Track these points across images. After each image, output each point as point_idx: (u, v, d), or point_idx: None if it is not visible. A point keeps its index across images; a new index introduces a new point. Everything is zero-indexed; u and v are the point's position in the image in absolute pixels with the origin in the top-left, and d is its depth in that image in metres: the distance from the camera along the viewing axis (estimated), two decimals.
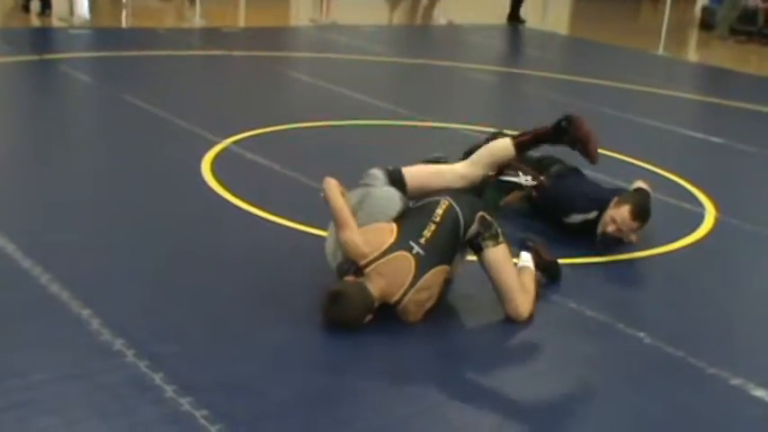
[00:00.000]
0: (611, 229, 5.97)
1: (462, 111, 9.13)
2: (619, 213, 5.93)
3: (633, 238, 6.09)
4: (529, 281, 5.17)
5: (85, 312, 4.55)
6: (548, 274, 5.43)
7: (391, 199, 5.06)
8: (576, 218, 6.15)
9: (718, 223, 6.98)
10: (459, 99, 10.35)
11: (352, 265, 4.70)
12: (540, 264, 5.36)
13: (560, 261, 5.51)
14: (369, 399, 4.14)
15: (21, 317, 4.52)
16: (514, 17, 17.80)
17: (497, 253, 4.97)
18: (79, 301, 4.66)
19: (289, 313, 4.79)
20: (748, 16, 18.12)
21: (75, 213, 6.19)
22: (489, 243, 4.94)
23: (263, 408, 3.89)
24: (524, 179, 5.57)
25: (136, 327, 4.46)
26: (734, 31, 18.18)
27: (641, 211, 6.03)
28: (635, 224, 5.98)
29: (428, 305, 4.82)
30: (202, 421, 3.70)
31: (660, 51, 15.60)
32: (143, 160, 7.47)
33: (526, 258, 5.31)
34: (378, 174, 5.15)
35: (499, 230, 5.00)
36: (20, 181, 6.78)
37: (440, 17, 17.62)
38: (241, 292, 5.08)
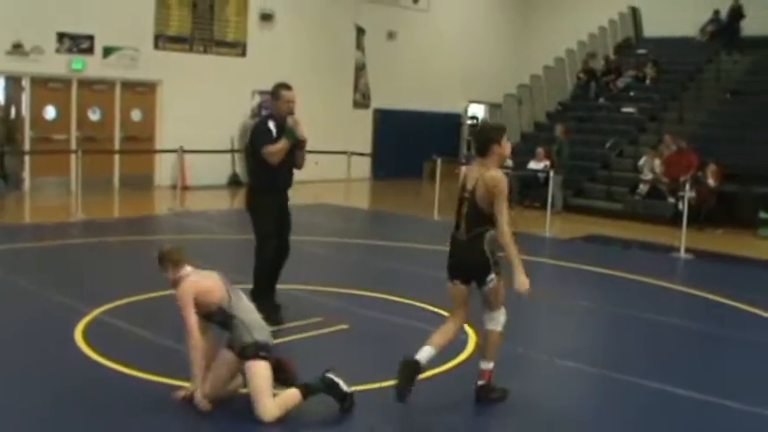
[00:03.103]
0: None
1: (291, 273, 9.15)
2: None
3: None
4: (285, 398, 5.23)
5: None
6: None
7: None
8: None
9: (478, 346, 7.05)
10: (289, 265, 10.27)
11: None
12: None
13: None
14: None
15: None
16: None
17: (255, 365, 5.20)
18: None
19: None
20: None
21: None
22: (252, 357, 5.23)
23: None
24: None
25: None
26: None
27: None
28: None
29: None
30: None
31: (435, 217, 15.95)
32: (27, 331, 7.21)
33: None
34: None
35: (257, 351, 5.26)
36: None
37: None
38: None
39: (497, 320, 5.73)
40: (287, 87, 7.76)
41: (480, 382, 5.73)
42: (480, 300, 5.75)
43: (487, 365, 5.73)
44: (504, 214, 5.51)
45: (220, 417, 5.26)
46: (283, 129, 7.65)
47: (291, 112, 7.69)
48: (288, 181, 7.93)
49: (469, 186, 5.68)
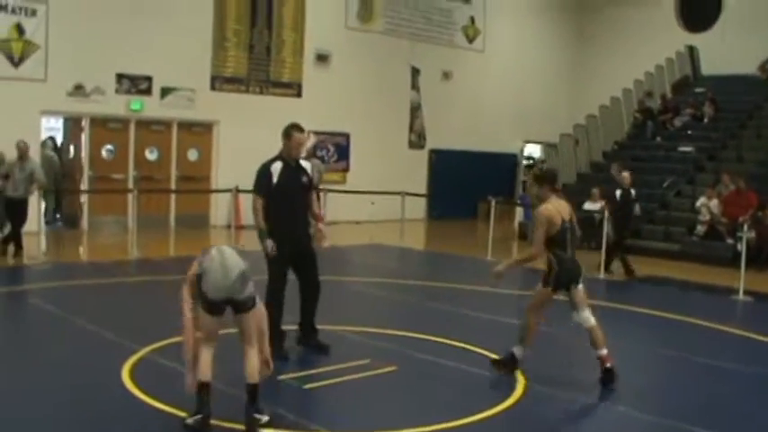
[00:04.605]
0: None
1: (342, 314, 9.11)
2: None
3: None
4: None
5: None
6: None
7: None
8: None
9: (527, 389, 6.95)
10: (340, 305, 10.21)
11: None
12: None
13: None
14: None
15: None
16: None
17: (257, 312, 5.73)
18: None
19: None
20: None
21: (17, 411, 5.94)
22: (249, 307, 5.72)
23: None
24: None
25: None
26: None
27: None
28: None
29: None
30: None
31: (488, 257, 15.82)
32: (76, 367, 7.31)
33: None
34: None
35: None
36: None
37: (324, 242, 17.73)
38: None
39: (590, 318, 7.21)
40: (299, 129, 7.66)
41: (608, 365, 7.09)
42: (570, 302, 7.27)
43: (604, 351, 7.13)
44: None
45: None
46: (291, 170, 7.59)
47: (300, 156, 7.73)
48: (296, 229, 7.80)
49: (569, 218, 7.23)
